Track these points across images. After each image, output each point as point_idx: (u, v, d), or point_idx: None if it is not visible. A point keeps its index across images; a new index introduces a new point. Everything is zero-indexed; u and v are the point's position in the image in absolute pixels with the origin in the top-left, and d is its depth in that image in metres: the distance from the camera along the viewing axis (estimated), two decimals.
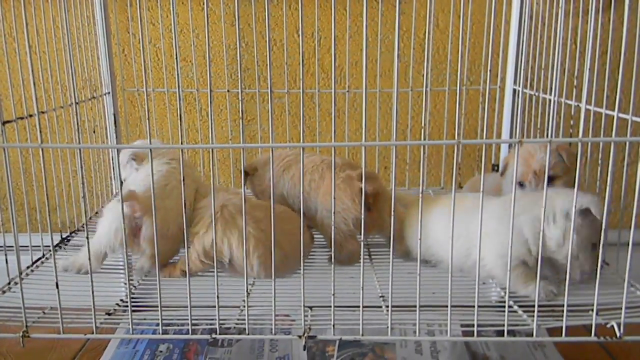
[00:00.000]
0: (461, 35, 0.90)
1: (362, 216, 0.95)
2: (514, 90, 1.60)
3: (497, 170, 1.65)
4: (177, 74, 0.88)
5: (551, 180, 1.15)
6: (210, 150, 0.91)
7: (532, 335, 0.95)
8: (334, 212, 1.16)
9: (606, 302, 0.97)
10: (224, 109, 1.76)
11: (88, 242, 0.96)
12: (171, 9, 0.85)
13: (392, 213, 0.93)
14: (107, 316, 1.03)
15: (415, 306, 0.94)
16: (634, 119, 0.98)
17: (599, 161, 1.14)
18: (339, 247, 1.18)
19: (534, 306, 0.95)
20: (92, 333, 0.97)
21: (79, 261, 1.16)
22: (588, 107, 1.01)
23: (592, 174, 1.22)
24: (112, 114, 1.59)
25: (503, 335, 0.95)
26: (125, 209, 1.00)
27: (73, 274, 1.15)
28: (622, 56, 0.88)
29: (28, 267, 1.19)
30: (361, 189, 1.18)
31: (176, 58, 0.87)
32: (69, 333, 0.97)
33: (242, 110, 0.89)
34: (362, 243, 1.01)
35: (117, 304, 1.07)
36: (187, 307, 0.96)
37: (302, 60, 0.85)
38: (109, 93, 1.58)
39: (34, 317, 0.99)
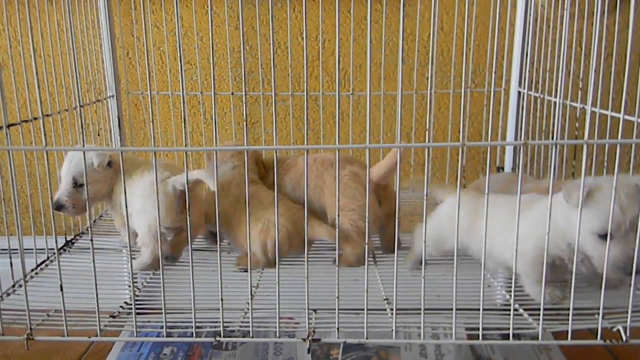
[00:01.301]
0: (466, 38, 0.90)
1: (367, 214, 0.95)
2: (519, 93, 1.60)
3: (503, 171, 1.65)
4: (182, 77, 0.89)
5: None
6: (214, 152, 0.92)
7: (537, 338, 0.95)
8: (340, 211, 1.16)
9: (612, 305, 0.96)
10: (228, 112, 1.76)
11: (92, 245, 0.96)
12: (175, 12, 0.85)
13: (397, 214, 0.93)
14: (111, 319, 1.03)
15: (419, 309, 0.93)
16: None
17: (605, 163, 1.14)
18: (355, 245, 1.18)
19: (539, 309, 0.95)
20: (97, 336, 0.97)
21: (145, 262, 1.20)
22: (593, 109, 1.00)
23: (598, 175, 1.22)
24: (117, 117, 1.60)
25: (508, 339, 0.95)
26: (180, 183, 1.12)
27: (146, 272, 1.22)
28: (628, 58, 0.88)
29: (32, 270, 1.19)
30: (374, 185, 1.17)
31: (180, 61, 0.87)
32: (73, 336, 0.97)
33: (246, 113, 0.89)
34: (366, 244, 1.01)
35: (122, 307, 1.08)
36: (191, 309, 0.96)
37: (306, 63, 0.85)
38: (113, 96, 1.59)
39: (38, 320, 1.00)
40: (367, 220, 0.94)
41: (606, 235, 0.92)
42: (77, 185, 1.20)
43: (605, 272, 0.92)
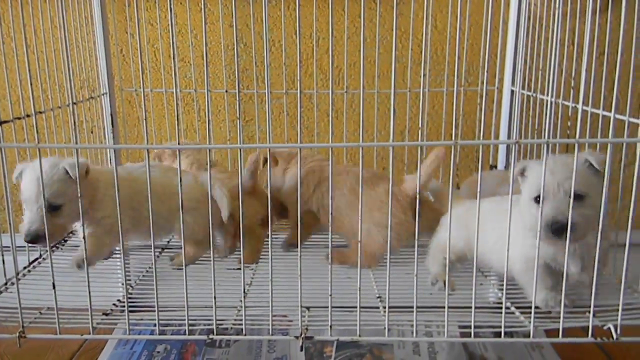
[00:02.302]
0: (459, 36, 0.90)
1: (359, 224, 0.95)
2: (512, 91, 1.60)
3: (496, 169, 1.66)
4: (175, 75, 0.89)
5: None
6: (208, 150, 0.91)
7: (529, 336, 0.95)
8: (375, 227, 1.16)
9: (603, 303, 0.97)
10: (222, 110, 1.76)
11: (85, 242, 0.96)
12: (169, 9, 0.85)
13: (389, 214, 0.93)
14: (104, 316, 1.03)
15: (412, 307, 0.94)
16: (631, 120, 0.98)
17: None
18: (372, 261, 1.19)
19: (530, 307, 0.95)
20: (89, 333, 0.97)
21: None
22: (585, 108, 1.01)
23: None
24: (110, 115, 1.59)
25: (500, 336, 0.95)
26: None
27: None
28: (619, 57, 0.88)
29: (25, 268, 1.19)
30: (410, 200, 1.19)
31: (174, 58, 0.87)
32: (66, 333, 0.97)
33: (239, 111, 0.89)
34: (359, 253, 1.01)
35: (114, 304, 1.07)
36: (184, 307, 0.95)
37: (300, 61, 0.85)
38: (106, 93, 1.58)
39: (30, 318, 0.99)
40: (359, 226, 0.94)
41: (538, 198, 0.95)
42: (51, 208, 1.03)
43: (540, 234, 0.94)
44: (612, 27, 1.02)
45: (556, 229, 0.93)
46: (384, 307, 0.97)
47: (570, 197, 0.92)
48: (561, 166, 0.95)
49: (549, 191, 0.94)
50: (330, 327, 0.95)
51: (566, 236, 0.92)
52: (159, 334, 0.98)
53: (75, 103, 0.94)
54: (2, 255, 1.05)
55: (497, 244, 1.04)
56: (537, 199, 0.96)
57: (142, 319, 1.04)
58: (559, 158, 0.97)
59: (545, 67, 1.42)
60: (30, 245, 1.06)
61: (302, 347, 0.95)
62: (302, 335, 0.95)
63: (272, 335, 0.96)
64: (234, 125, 1.75)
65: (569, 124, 1.26)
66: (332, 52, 0.84)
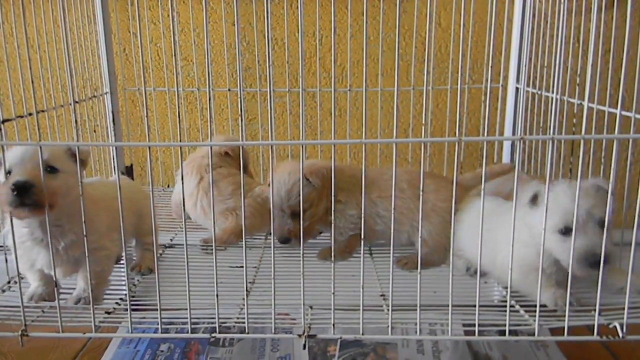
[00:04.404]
0: (463, 34, 0.89)
1: (362, 219, 0.94)
2: (517, 89, 1.59)
3: None
4: (177, 73, 0.88)
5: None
6: (210, 148, 0.91)
7: (534, 334, 0.94)
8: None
9: (609, 302, 0.96)
10: (225, 108, 1.76)
11: (86, 240, 0.96)
12: (171, 8, 0.84)
13: (393, 211, 0.92)
14: (106, 315, 1.02)
15: (416, 305, 0.93)
16: (637, 116, 0.98)
17: (602, 159, 1.14)
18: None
19: (535, 306, 0.94)
20: (92, 332, 0.96)
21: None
22: (591, 105, 1.00)
23: (595, 173, 1.21)
24: (111, 113, 1.59)
25: (505, 335, 0.95)
26: None
27: None
28: (625, 54, 0.87)
29: None
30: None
31: (176, 57, 0.87)
32: (68, 332, 0.97)
33: (241, 109, 0.89)
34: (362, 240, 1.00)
35: (117, 303, 1.07)
36: (187, 306, 0.95)
37: (302, 59, 0.85)
38: (108, 92, 1.58)
39: (33, 316, 0.99)
40: (362, 218, 0.94)
41: (565, 230, 0.93)
42: (48, 170, 0.95)
43: (571, 269, 0.92)
44: (618, 24, 1.01)
45: (594, 262, 0.90)
46: (388, 306, 0.96)
47: (601, 226, 0.91)
48: (584, 193, 0.92)
49: (578, 221, 0.91)
50: (333, 325, 0.95)
51: (599, 267, 0.90)
52: (162, 333, 0.97)
53: (77, 102, 0.94)
54: (5, 254, 1.05)
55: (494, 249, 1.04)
56: (562, 231, 0.94)
57: (144, 318, 1.04)
58: (571, 186, 0.94)
59: (551, 65, 1.41)
60: (15, 204, 0.90)
61: (305, 345, 0.94)
62: (305, 334, 0.94)
63: (275, 333, 0.96)
64: (236, 123, 1.75)
65: (574, 121, 1.25)
66: (335, 50, 0.83)
